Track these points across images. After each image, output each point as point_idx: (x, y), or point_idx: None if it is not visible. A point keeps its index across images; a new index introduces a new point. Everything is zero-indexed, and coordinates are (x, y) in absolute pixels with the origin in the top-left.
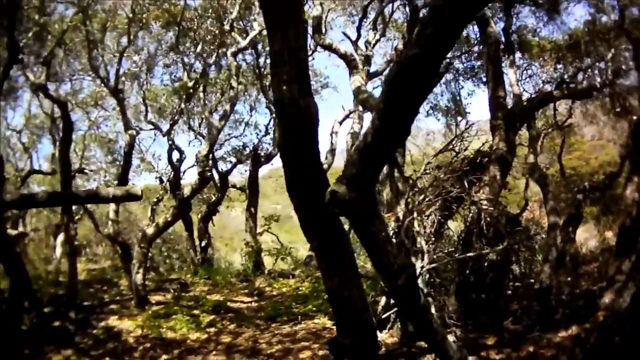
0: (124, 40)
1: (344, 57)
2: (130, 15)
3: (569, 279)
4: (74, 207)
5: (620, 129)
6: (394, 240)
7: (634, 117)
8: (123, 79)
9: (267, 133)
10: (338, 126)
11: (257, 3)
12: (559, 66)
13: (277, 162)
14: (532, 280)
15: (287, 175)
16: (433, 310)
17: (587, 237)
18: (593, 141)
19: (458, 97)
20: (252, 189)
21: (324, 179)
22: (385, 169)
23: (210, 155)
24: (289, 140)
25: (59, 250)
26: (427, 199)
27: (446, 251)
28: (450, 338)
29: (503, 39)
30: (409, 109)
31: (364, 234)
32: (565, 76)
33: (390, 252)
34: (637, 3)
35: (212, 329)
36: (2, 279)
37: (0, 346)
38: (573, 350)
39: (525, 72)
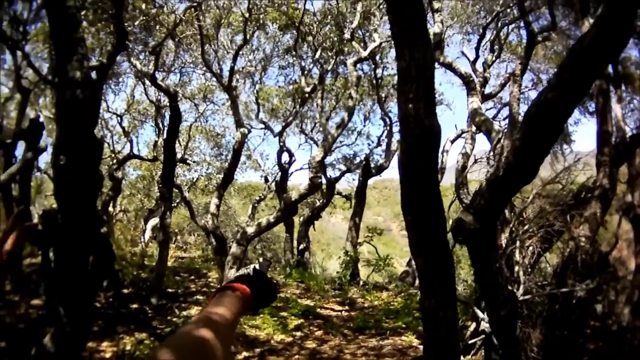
0: (238, 38)
1: (462, 77)
2: (247, 14)
3: None
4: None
5: None
6: None
7: None
8: (236, 76)
9: (379, 144)
10: (449, 145)
11: (377, 13)
12: None
13: (385, 174)
14: (611, 322)
15: (403, 191)
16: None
17: None
18: None
19: (565, 125)
20: (359, 199)
21: (439, 200)
22: None
23: (323, 161)
24: (410, 158)
25: (148, 234)
26: (530, 230)
27: (539, 284)
28: None
29: (612, 71)
30: (542, 149)
31: (480, 263)
32: None
33: (500, 283)
34: None
35: (298, 333)
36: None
37: (70, 322)
38: None
39: (628, 105)
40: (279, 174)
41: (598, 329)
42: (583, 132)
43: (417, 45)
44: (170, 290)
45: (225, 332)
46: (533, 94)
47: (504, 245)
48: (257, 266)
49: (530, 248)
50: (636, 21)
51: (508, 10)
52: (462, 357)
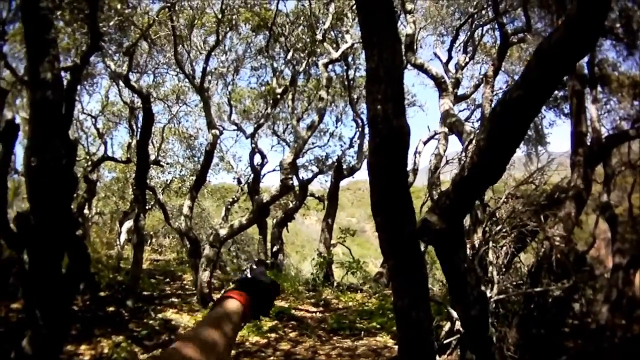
0: (211, 39)
1: (434, 78)
2: (220, 15)
3: (623, 321)
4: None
5: None
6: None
7: None
8: (208, 77)
9: (351, 145)
10: (422, 146)
11: (350, 15)
12: (635, 103)
13: (358, 175)
14: (590, 320)
15: (373, 193)
16: (494, 340)
17: None
18: None
19: (540, 127)
20: (331, 201)
21: (409, 201)
22: None
23: (294, 163)
24: (378, 159)
25: (123, 237)
26: (503, 230)
27: (514, 283)
28: None
29: (587, 72)
30: (507, 149)
31: (448, 263)
32: None
33: (469, 282)
34: None
35: (273, 335)
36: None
37: (47, 325)
38: None
39: (604, 106)
40: (252, 175)
41: (577, 327)
42: (559, 134)
43: (386, 47)
44: (145, 292)
45: (223, 345)
46: None
47: (476, 246)
48: (252, 268)
49: (504, 248)
50: (606, 22)
51: (483, 11)
52: (437, 357)
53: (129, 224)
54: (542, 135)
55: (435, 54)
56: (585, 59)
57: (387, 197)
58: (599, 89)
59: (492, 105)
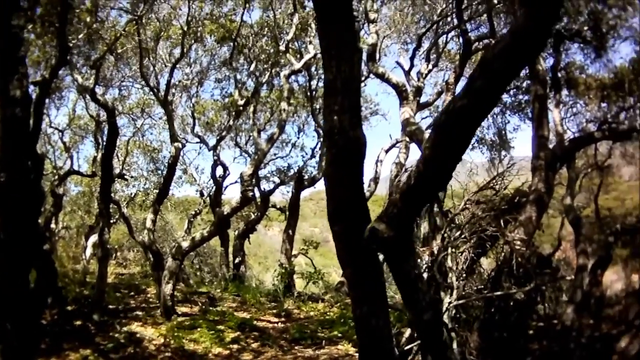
0: (177, 51)
1: (395, 87)
2: (185, 27)
3: (591, 321)
4: (110, 210)
5: None
6: (425, 274)
7: None
8: (173, 90)
9: (313, 156)
10: (384, 155)
11: (313, 25)
12: (602, 105)
13: (320, 185)
14: (555, 321)
15: (329, 203)
16: (455, 345)
17: (615, 279)
18: (630, 182)
19: (503, 132)
20: (292, 211)
21: (365, 210)
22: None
23: (254, 175)
24: (335, 169)
25: (89, 251)
26: (462, 236)
27: (475, 288)
28: None
29: (550, 76)
30: (453, 156)
31: (398, 269)
32: (609, 116)
33: (421, 288)
34: None
35: (235, 346)
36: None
37: (18, 338)
38: None
39: (570, 109)
40: (214, 188)
41: (542, 329)
42: (524, 138)
43: (344, 58)
44: (111, 306)
45: None
46: None
47: (435, 252)
48: None
49: (464, 254)
50: (573, 26)
51: (448, 19)
52: None
53: (94, 238)
54: (506, 140)
55: (397, 63)
56: (549, 63)
57: (344, 207)
58: (566, 92)
59: None
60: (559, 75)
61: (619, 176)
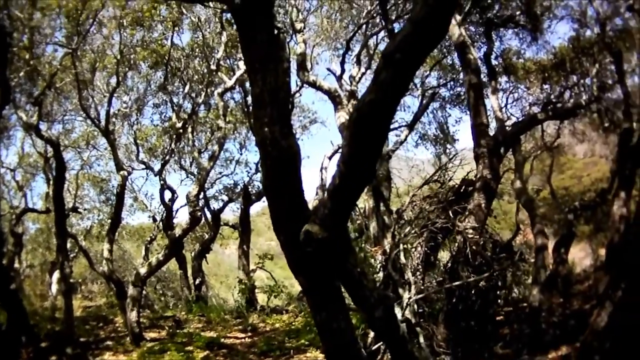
0: (114, 80)
1: (328, 93)
2: (119, 56)
3: (561, 300)
4: (68, 245)
5: (611, 144)
6: (381, 273)
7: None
8: (114, 119)
9: (257, 171)
10: (327, 161)
11: None
12: (545, 86)
13: None
14: (525, 305)
15: (272, 213)
16: (422, 339)
17: (582, 256)
18: (585, 159)
19: (445, 125)
20: (244, 227)
21: (308, 216)
22: (371, 203)
23: (201, 194)
24: (272, 180)
25: (54, 287)
26: (413, 231)
27: (434, 281)
28: None
29: (485, 65)
30: (371, 151)
31: (340, 270)
32: (552, 96)
33: (366, 285)
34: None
35: None
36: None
37: None
38: None
39: (511, 95)
40: (164, 212)
41: (511, 313)
42: (468, 130)
43: (268, 71)
44: (82, 339)
45: None
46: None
47: (387, 250)
48: None
49: (418, 248)
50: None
51: (377, 20)
52: None
53: (58, 273)
54: (448, 134)
55: (329, 70)
56: (481, 52)
57: (286, 217)
58: (505, 78)
59: None
60: (495, 62)
61: (572, 155)
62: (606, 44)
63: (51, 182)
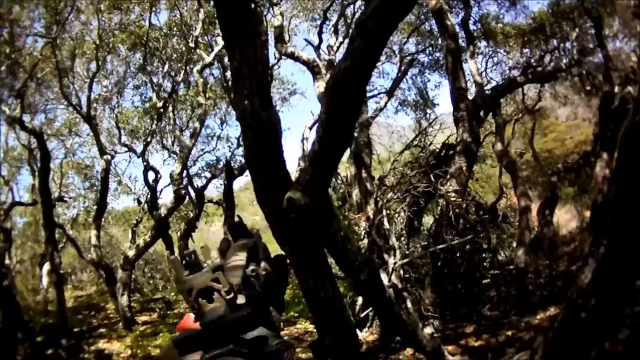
0: (93, 65)
1: (306, 63)
2: (97, 41)
3: (547, 261)
4: (56, 235)
5: (594, 107)
6: (366, 240)
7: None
8: (95, 104)
9: (239, 145)
10: (308, 132)
11: None
12: (525, 51)
13: None
14: (512, 267)
15: (255, 185)
16: (409, 304)
17: (568, 218)
18: (568, 122)
19: (425, 91)
20: (228, 203)
21: (291, 186)
22: (353, 171)
23: (184, 173)
24: (254, 152)
25: (45, 280)
26: (395, 197)
27: (419, 245)
28: (429, 329)
29: (462, 30)
30: (348, 116)
31: (324, 235)
32: (532, 60)
33: (350, 250)
34: None
35: None
36: None
37: None
38: (550, 330)
39: (491, 59)
40: (149, 193)
41: (498, 276)
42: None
43: (246, 45)
44: (76, 329)
45: None
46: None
47: (371, 217)
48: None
49: (401, 214)
50: None
51: None
52: (358, 331)
53: (48, 265)
54: (428, 99)
55: (306, 40)
56: (459, 18)
57: (269, 187)
58: (484, 43)
59: None
60: (473, 28)
61: (555, 118)
62: (586, 9)
63: (36, 174)
